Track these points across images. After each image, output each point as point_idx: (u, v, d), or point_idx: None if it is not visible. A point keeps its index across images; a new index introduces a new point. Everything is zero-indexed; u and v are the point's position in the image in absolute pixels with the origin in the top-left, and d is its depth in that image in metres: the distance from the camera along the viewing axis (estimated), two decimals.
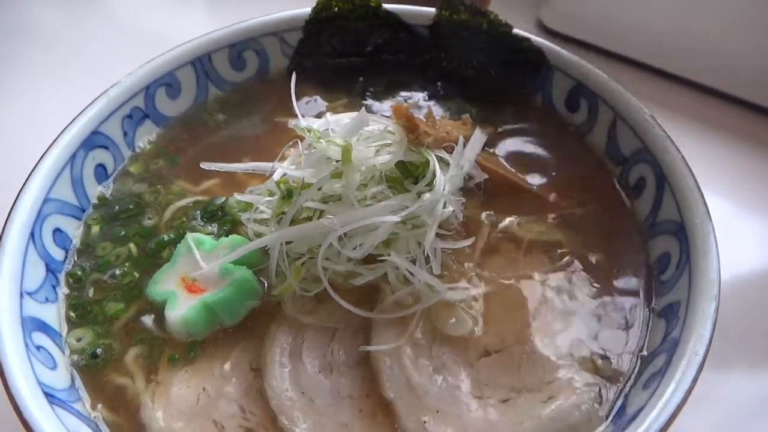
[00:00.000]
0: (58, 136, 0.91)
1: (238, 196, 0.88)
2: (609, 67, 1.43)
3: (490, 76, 1.11)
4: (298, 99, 0.91)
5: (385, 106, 1.09)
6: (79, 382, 0.78)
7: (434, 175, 0.79)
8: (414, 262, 0.80)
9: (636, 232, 0.93)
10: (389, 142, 0.82)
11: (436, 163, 0.80)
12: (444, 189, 0.80)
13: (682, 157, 0.89)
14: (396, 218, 0.76)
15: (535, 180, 0.99)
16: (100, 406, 0.76)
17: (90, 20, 1.64)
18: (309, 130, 0.81)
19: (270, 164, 0.90)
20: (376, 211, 0.77)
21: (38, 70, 1.50)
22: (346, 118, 0.84)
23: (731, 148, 1.34)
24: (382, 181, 0.81)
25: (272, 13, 1.11)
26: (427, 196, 0.78)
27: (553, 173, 1.00)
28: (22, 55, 1.53)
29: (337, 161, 0.79)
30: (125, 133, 1.00)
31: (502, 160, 1.01)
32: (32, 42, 1.58)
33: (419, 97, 1.12)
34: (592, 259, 0.90)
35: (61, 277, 0.87)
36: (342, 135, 0.80)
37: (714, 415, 0.97)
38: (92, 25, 1.63)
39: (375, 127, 0.83)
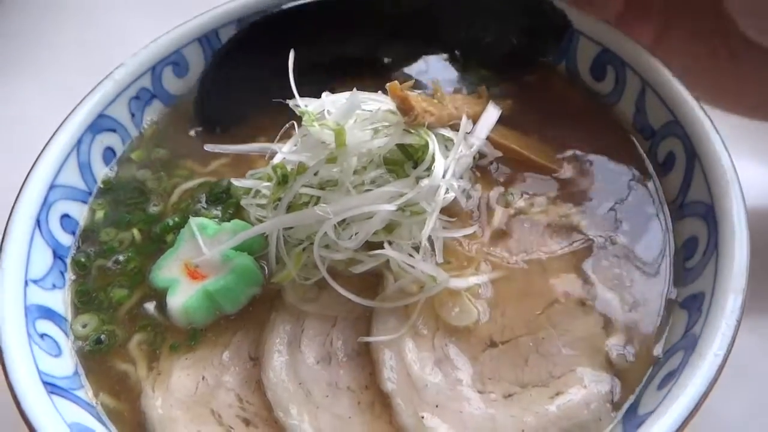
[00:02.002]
0: (63, 121, 0.91)
1: (235, 182, 0.86)
2: None
3: (510, 43, 1.03)
4: (306, 75, 0.86)
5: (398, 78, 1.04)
6: (81, 369, 0.79)
7: (433, 159, 0.74)
8: (417, 248, 0.76)
9: (663, 214, 0.86)
10: (388, 123, 0.78)
11: (436, 145, 0.75)
12: (446, 174, 0.75)
13: (717, 131, 0.81)
14: (391, 207, 0.72)
15: (554, 156, 0.92)
16: (101, 393, 0.77)
17: (71, 21, 1.60)
18: (303, 113, 0.77)
19: (271, 146, 0.87)
20: (372, 198, 0.73)
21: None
22: (344, 98, 0.79)
23: None
24: (381, 164, 0.77)
25: None
26: (425, 182, 0.74)
27: (575, 148, 0.93)
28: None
29: (332, 145, 0.76)
30: (132, 115, 0.99)
31: (520, 136, 0.94)
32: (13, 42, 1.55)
33: (435, 68, 1.06)
34: (614, 242, 0.84)
35: (69, 261, 0.87)
36: (336, 117, 0.76)
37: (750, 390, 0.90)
38: (73, 24, 1.58)
39: (372, 107, 0.78)
